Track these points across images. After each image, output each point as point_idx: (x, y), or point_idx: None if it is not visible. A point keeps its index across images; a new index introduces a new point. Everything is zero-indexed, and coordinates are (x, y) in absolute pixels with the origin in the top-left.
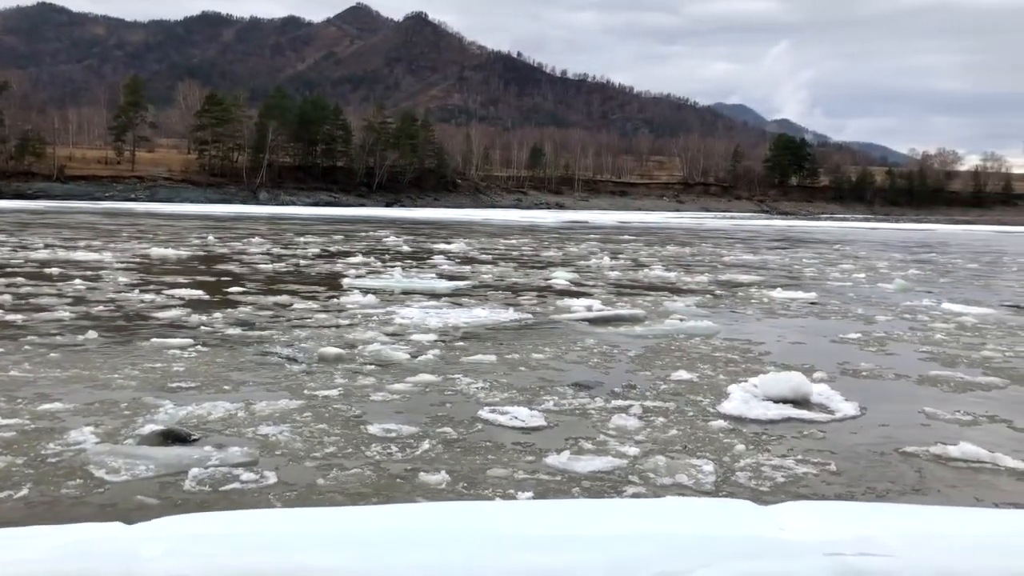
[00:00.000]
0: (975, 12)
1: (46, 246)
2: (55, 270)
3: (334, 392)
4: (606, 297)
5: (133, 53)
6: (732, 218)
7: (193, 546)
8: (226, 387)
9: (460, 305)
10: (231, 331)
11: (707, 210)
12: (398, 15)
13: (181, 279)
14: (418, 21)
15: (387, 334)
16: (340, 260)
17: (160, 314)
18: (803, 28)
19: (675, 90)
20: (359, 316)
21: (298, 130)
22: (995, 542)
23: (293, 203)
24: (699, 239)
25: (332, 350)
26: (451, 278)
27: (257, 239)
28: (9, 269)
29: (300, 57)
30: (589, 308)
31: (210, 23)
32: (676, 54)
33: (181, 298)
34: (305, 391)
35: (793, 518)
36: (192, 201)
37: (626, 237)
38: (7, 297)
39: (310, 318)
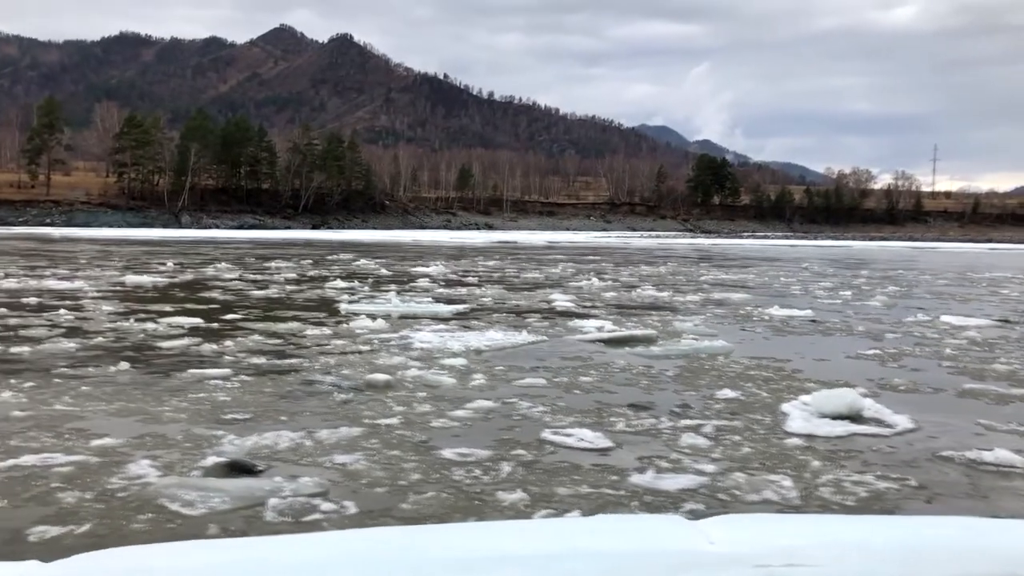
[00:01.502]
0: (880, 36)
1: (5, 275)
2: (32, 299)
3: (394, 420)
4: (611, 318)
5: (48, 74)
6: (657, 237)
7: None
8: (282, 417)
9: (470, 328)
10: (256, 360)
11: (633, 229)
12: (323, 36)
13: (169, 307)
14: (343, 43)
15: (414, 359)
16: (322, 285)
17: (167, 344)
18: (722, 51)
19: (600, 112)
20: (376, 341)
21: (221, 152)
22: (921, 551)
23: (217, 226)
24: (661, 259)
25: (380, 377)
26: (449, 301)
27: (224, 264)
28: None
29: (222, 78)
30: (600, 329)
31: (129, 44)
32: (599, 76)
33: (181, 326)
34: (364, 419)
35: (722, 531)
36: (111, 225)
37: (593, 258)
38: None
39: (328, 344)
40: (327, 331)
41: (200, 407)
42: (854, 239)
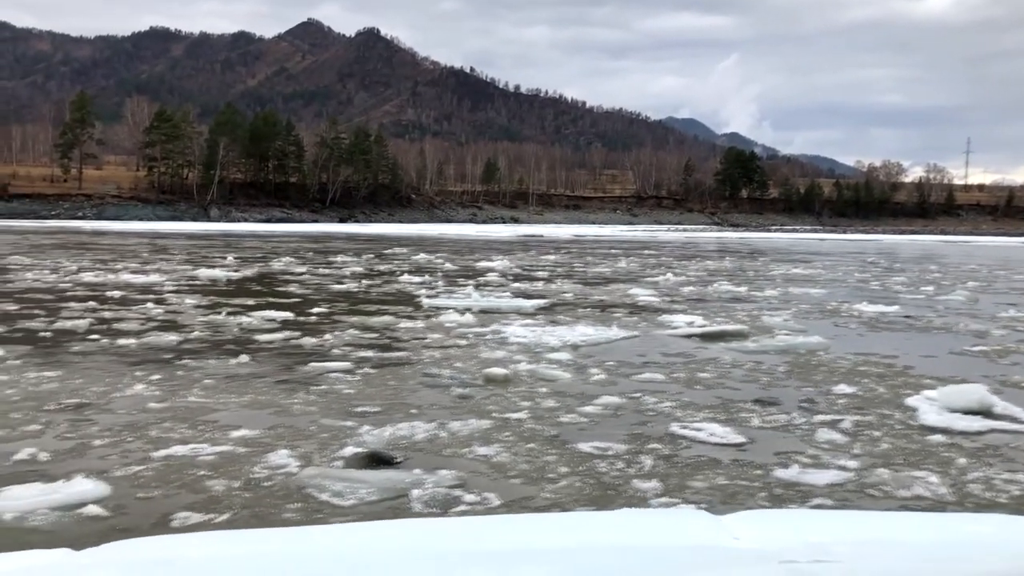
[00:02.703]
0: (910, 28)
1: (79, 268)
2: (115, 292)
3: (522, 414)
4: (697, 313)
5: (79, 69)
6: (685, 231)
7: (144, 571)
8: (412, 410)
9: (558, 323)
10: (364, 353)
11: (660, 223)
12: (350, 31)
13: (251, 301)
14: (370, 37)
15: (517, 353)
16: (393, 279)
17: (264, 337)
18: (750, 43)
19: (626, 104)
20: (471, 335)
21: (249, 146)
22: (943, 548)
23: (245, 220)
24: (717, 254)
25: (498, 371)
26: (528, 296)
27: (287, 258)
28: (70, 293)
29: (251, 73)
30: (690, 324)
31: (159, 38)
32: (626, 69)
33: (274, 320)
34: (492, 413)
35: (747, 527)
36: (142, 219)
37: (651, 252)
38: (85, 321)
39: (426, 338)
40: (419, 324)
41: (328, 399)
42: (884, 233)
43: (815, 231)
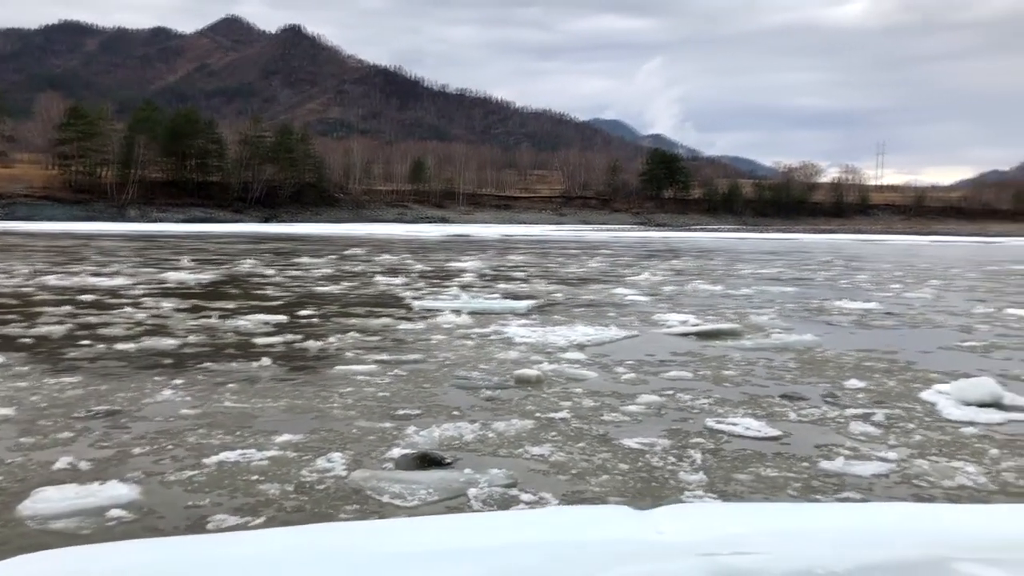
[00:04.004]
0: (827, 33)
1: (34, 271)
2: (88, 296)
3: (564, 413)
4: (686, 312)
5: None
6: (611, 230)
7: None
8: (454, 412)
9: (555, 323)
10: (378, 356)
11: (587, 223)
12: (272, 27)
13: (232, 304)
14: (294, 33)
15: (527, 353)
16: (369, 280)
17: (265, 340)
18: (674, 46)
19: (554, 105)
20: (474, 335)
21: (169, 144)
22: (855, 536)
23: (164, 220)
24: (667, 254)
25: (530, 372)
26: (516, 297)
27: (252, 260)
28: (38, 297)
29: (171, 69)
30: (684, 323)
31: (72, 32)
32: (553, 70)
33: (267, 323)
34: (536, 413)
35: (670, 521)
36: (55, 219)
37: (607, 252)
38: (64, 327)
39: (431, 339)
40: (418, 326)
41: (364, 402)
42: (803, 232)
43: (737, 230)
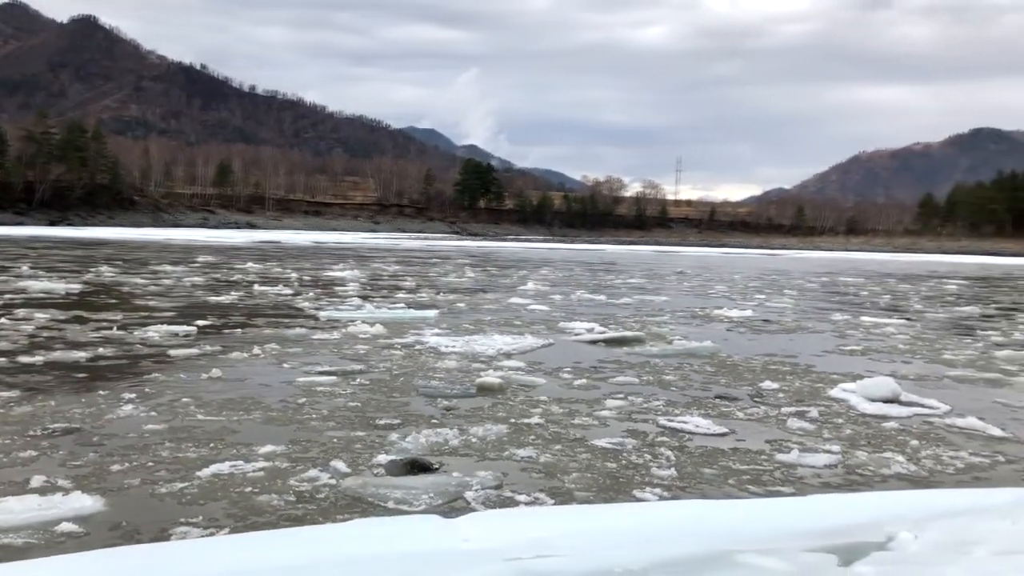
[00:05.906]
0: (632, 54)
1: None
2: None
3: (535, 419)
4: (589, 321)
5: None
6: (427, 239)
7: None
8: (433, 420)
9: (468, 332)
10: (322, 367)
11: (403, 231)
12: (62, 16)
13: (119, 315)
14: (87, 24)
15: (465, 360)
16: (250, 289)
17: (180, 352)
18: (488, 59)
19: (368, 112)
20: (398, 345)
21: None
22: (653, 534)
23: None
24: (549, 263)
25: (492, 380)
26: (421, 306)
27: (106, 267)
28: None
29: None
30: (591, 331)
31: None
32: (368, 76)
33: (176, 334)
34: (510, 419)
35: (476, 528)
36: None
37: (465, 261)
38: None
39: (358, 349)
40: (335, 336)
41: (340, 413)
42: (608, 243)
43: (547, 241)
